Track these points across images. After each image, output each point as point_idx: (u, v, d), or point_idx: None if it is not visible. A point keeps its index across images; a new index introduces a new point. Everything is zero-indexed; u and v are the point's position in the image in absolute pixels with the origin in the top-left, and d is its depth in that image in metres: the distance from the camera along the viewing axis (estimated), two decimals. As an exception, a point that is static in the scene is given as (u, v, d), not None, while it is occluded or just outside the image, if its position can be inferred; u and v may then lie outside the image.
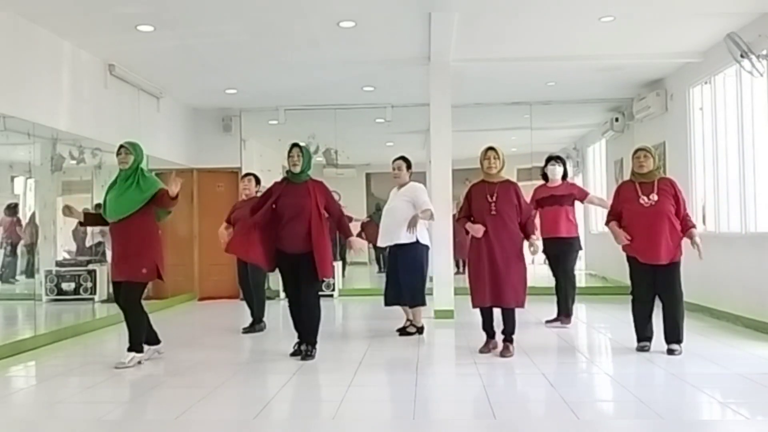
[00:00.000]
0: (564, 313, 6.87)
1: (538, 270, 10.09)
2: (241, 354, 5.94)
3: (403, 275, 6.35)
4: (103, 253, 9.39)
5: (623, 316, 7.14)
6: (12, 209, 8.73)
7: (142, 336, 5.27)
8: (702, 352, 5.47)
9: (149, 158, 9.36)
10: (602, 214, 8.77)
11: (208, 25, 6.67)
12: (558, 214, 6.79)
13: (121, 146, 5.31)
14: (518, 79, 9.10)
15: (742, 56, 6.47)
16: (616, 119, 10.38)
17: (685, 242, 5.30)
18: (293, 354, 5.42)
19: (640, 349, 5.43)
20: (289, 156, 5.39)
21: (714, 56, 7.40)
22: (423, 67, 7.92)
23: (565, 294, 6.87)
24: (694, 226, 5.32)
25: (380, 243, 6.51)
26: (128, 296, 5.19)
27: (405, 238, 6.26)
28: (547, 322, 6.97)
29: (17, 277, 8.89)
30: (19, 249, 8.73)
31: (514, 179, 5.67)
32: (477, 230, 5.30)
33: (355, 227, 11.76)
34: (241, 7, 6.14)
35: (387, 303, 6.56)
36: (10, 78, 6.06)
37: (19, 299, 8.79)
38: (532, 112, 10.54)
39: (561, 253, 6.83)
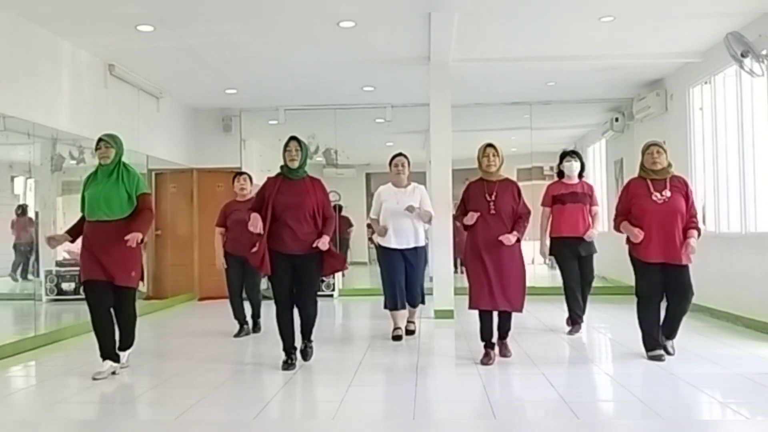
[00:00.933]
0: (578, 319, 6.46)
1: (538, 270, 10.10)
2: (240, 354, 5.93)
3: (416, 275, 6.26)
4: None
5: (623, 315, 7.14)
6: (22, 209, 8.75)
7: (134, 334, 5.09)
8: (702, 352, 5.46)
9: (149, 158, 9.41)
10: (601, 213, 8.79)
11: (208, 25, 6.68)
12: (578, 213, 6.36)
13: (101, 139, 4.94)
14: (518, 79, 9.11)
15: (743, 55, 6.45)
16: (616, 119, 10.38)
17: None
18: (286, 367, 4.97)
19: (654, 358, 5.07)
20: (286, 150, 4.99)
21: (714, 56, 7.40)
22: (423, 67, 7.92)
23: (582, 298, 6.46)
24: (696, 229, 5.02)
25: (399, 245, 6.14)
26: (127, 300, 4.96)
27: (423, 240, 6.27)
28: (569, 333, 6.46)
29: (25, 276, 8.88)
30: (32, 248, 8.73)
31: (513, 179, 5.43)
32: (471, 216, 5.04)
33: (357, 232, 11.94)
34: (241, 7, 6.14)
35: (398, 306, 6.24)
36: (10, 78, 6.06)
37: (19, 299, 8.80)
38: (532, 112, 10.54)
39: (583, 254, 6.39)
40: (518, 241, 5.14)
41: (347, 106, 10.28)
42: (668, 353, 5.15)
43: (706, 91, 7.85)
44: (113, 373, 4.87)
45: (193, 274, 10.28)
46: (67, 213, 8.92)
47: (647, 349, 5.16)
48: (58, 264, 9.18)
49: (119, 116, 8.06)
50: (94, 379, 4.74)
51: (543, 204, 6.53)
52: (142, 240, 4.83)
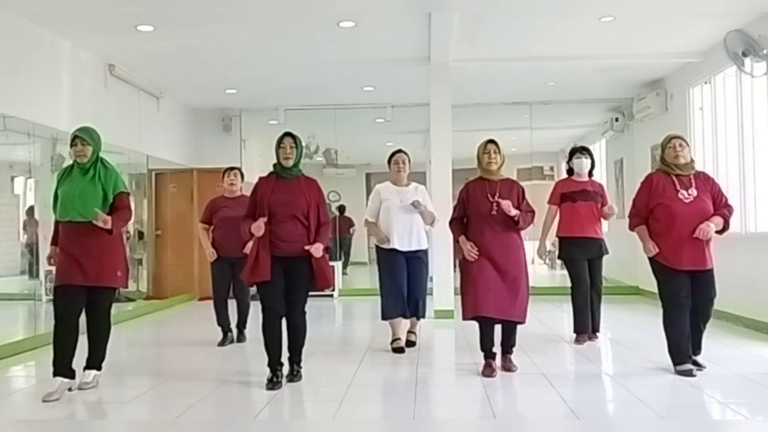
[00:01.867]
0: (594, 329, 6.02)
1: (537, 270, 10.11)
2: (240, 355, 5.93)
3: (419, 284, 5.75)
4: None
5: (623, 316, 7.15)
6: (31, 211, 8.76)
7: (106, 350, 4.56)
8: (702, 352, 5.45)
9: (149, 158, 9.41)
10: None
11: (208, 25, 6.68)
12: (590, 212, 5.91)
13: (76, 136, 4.40)
14: (518, 79, 9.11)
15: (743, 54, 6.44)
16: (616, 119, 10.38)
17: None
18: (271, 386, 4.41)
19: (683, 373, 4.58)
20: (279, 147, 4.53)
21: (714, 56, 7.40)
22: (423, 67, 7.93)
23: (594, 306, 5.96)
24: (721, 216, 4.55)
25: (401, 246, 5.63)
26: (102, 304, 4.47)
27: (425, 242, 5.84)
28: (576, 342, 5.95)
29: (31, 275, 8.87)
30: (32, 248, 8.73)
31: (515, 179, 5.09)
32: (468, 252, 4.65)
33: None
34: (241, 7, 6.14)
35: (400, 314, 5.68)
36: (11, 78, 6.07)
37: (19, 299, 8.79)
38: (532, 112, 10.55)
39: (593, 256, 5.92)
40: (521, 236, 4.81)
41: (347, 106, 10.29)
42: (699, 367, 4.72)
43: (706, 91, 7.86)
44: (69, 389, 4.32)
45: (193, 274, 10.26)
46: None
47: (675, 363, 4.66)
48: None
49: (119, 116, 8.07)
50: (45, 401, 4.13)
51: (550, 202, 6.10)
52: (111, 231, 4.29)
